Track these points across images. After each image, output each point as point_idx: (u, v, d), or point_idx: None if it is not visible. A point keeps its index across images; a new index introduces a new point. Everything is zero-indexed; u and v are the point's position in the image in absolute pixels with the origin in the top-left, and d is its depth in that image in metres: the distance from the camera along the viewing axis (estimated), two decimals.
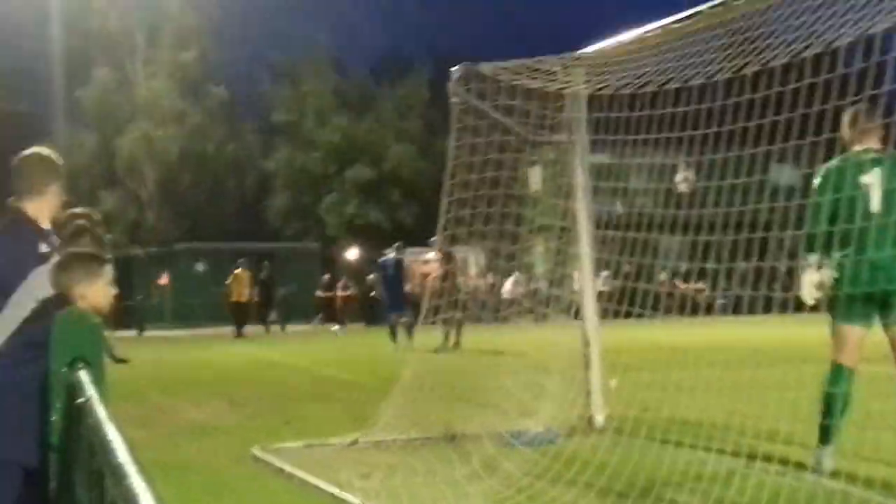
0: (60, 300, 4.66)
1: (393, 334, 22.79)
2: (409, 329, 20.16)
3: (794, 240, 8.18)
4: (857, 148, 7.16)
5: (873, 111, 7.09)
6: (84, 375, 3.28)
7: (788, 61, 7.76)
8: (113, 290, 4.99)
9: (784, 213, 8.28)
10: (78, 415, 3.02)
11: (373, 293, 42.85)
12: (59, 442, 3.53)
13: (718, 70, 8.50)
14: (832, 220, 7.03)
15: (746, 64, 8.20)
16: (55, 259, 4.89)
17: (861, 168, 7.01)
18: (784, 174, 9.85)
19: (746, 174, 8.47)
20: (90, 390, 2.84)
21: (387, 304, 24.15)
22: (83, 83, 49.53)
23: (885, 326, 7.03)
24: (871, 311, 7.01)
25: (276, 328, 36.45)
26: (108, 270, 4.91)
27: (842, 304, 7.03)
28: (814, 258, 7.12)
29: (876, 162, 7.01)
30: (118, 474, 1.70)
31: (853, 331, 7.06)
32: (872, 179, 6.95)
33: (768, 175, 8.89)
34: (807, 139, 7.36)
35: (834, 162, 7.19)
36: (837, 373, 7.08)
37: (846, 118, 7.21)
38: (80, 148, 48.89)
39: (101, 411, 2.40)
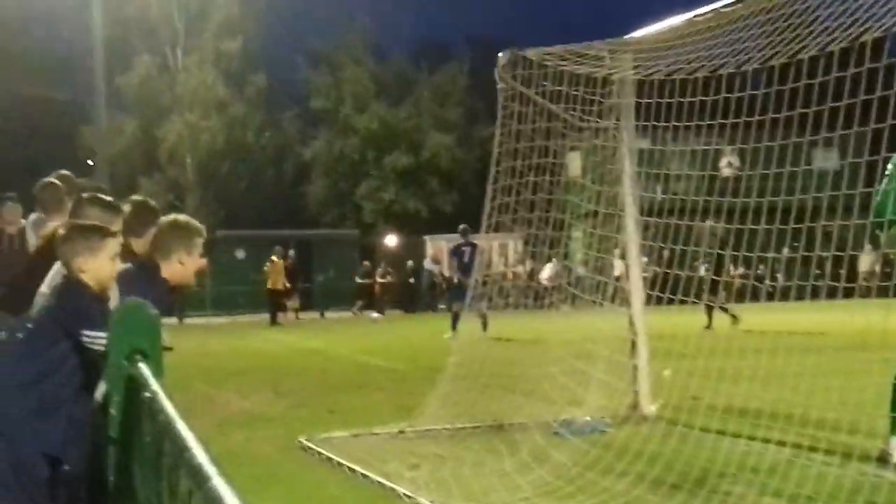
0: (67, 279, 4.70)
1: (455, 322, 21.78)
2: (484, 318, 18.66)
3: (841, 227, 8.04)
4: None
5: None
6: (144, 368, 3.22)
7: (838, 48, 7.59)
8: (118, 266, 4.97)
9: (830, 201, 8.12)
10: (139, 409, 2.96)
11: (411, 280, 42.95)
12: (119, 436, 3.48)
13: (768, 56, 8.33)
14: None
15: (800, 50, 8.02)
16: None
17: None
18: (829, 160, 9.69)
19: (791, 162, 8.30)
20: (154, 384, 2.78)
21: (458, 291, 23.02)
22: (124, 71, 49.69)
23: None
24: None
25: (309, 315, 36.52)
26: (113, 244, 4.89)
27: None
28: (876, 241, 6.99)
29: None
30: (199, 476, 1.64)
31: None
32: None
33: (812, 162, 8.74)
34: (852, 127, 7.22)
35: None
36: None
37: None
38: (120, 135, 49.12)
39: (169, 407, 2.34)
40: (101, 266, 4.77)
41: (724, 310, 19.84)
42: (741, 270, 20.07)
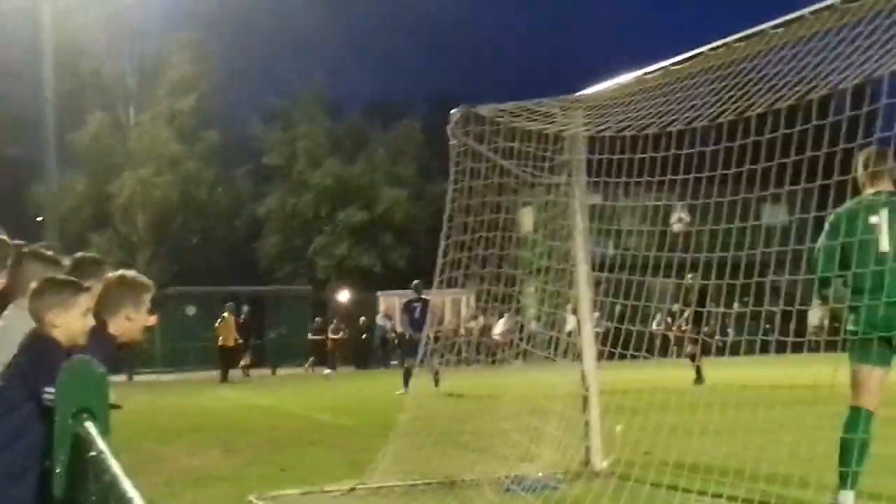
0: (36, 333, 4.62)
1: (407, 378, 21.35)
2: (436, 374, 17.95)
3: (790, 282, 8.12)
4: (869, 190, 7.12)
5: (884, 154, 7.04)
6: (91, 427, 3.17)
7: (785, 105, 7.73)
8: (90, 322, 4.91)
9: (778, 256, 8.20)
10: (85, 468, 2.92)
11: (364, 336, 42.83)
12: (64, 495, 3.42)
13: (717, 113, 8.46)
14: (844, 262, 6.97)
15: (748, 107, 8.15)
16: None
17: (872, 210, 6.97)
18: (777, 215, 9.81)
19: (740, 217, 8.39)
20: (100, 443, 2.74)
21: (410, 347, 22.49)
22: (76, 128, 49.47)
23: None
24: (889, 351, 6.91)
25: (260, 372, 36.36)
26: (85, 299, 4.84)
27: (859, 346, 6.94)
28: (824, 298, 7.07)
29: (885, 203, 6.98)
30: None
31: (873, 372, 6.94)
32: (880, 220, 6.91)
33: (761, 218, 8.84)
34: (800, 183, 7.35)
35: (847, 204, 7.14)
36: (856, 416, 6.91)
37: (860, 160, 7.17)
38: (70, 191, 48.82)
39: (116, 467, 2.31)
40: (72, 321, 4.72)
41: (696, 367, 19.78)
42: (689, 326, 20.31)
